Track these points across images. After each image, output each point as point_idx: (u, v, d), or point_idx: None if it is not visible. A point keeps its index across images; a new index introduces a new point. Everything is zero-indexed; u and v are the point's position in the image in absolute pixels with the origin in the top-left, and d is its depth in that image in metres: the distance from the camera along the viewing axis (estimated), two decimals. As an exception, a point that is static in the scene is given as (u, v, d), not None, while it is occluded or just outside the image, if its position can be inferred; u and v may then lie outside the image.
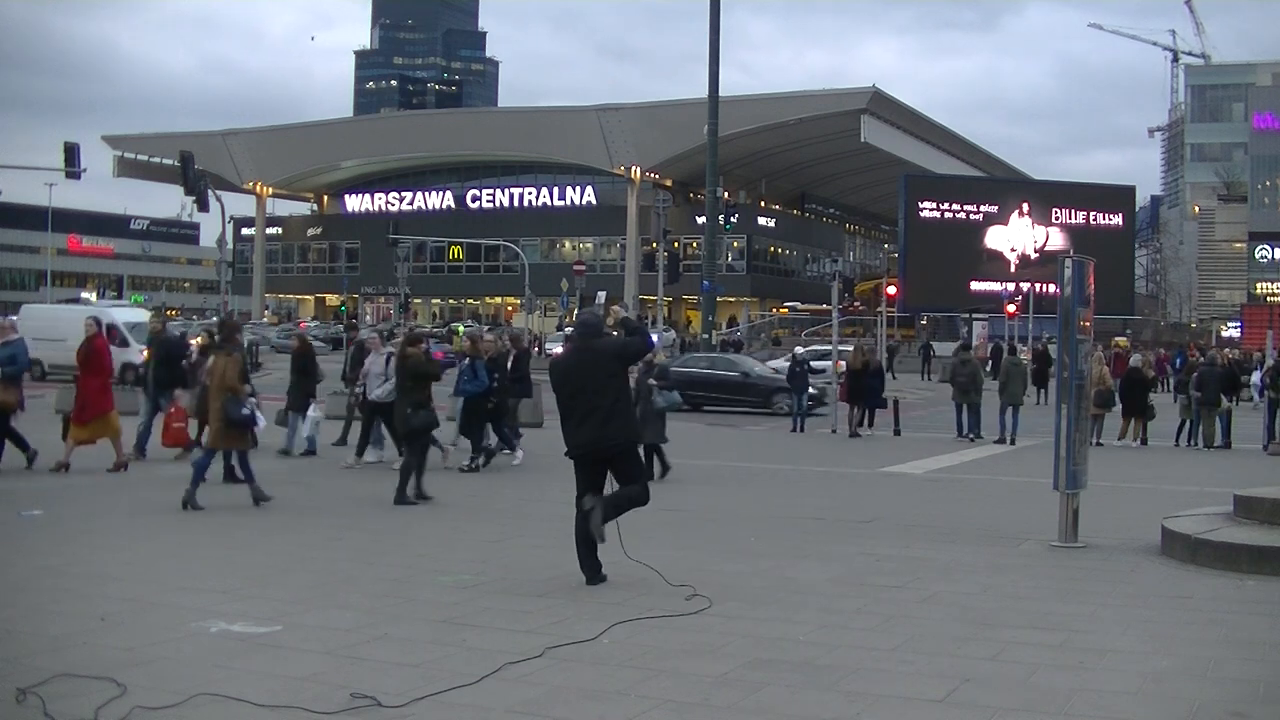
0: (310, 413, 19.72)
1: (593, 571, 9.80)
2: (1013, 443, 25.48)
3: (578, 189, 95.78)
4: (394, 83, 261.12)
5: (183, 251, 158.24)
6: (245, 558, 11.00)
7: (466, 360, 18.48)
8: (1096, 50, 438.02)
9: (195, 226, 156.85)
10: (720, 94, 46.17)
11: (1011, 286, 68.12)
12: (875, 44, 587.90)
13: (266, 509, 14.00)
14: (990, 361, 44.77)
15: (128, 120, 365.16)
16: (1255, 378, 34.86)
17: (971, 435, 26.11)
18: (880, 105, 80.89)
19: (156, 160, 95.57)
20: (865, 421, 27.49)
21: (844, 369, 28.93)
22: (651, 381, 17.14)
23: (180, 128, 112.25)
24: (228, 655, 7.56)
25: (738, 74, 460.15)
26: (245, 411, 14.08)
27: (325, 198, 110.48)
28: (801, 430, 28.26)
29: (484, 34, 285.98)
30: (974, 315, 69.54)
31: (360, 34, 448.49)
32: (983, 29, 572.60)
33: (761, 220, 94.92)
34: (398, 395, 15.38)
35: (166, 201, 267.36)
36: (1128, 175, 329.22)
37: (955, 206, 74.16)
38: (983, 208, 74.55)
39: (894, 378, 50.00)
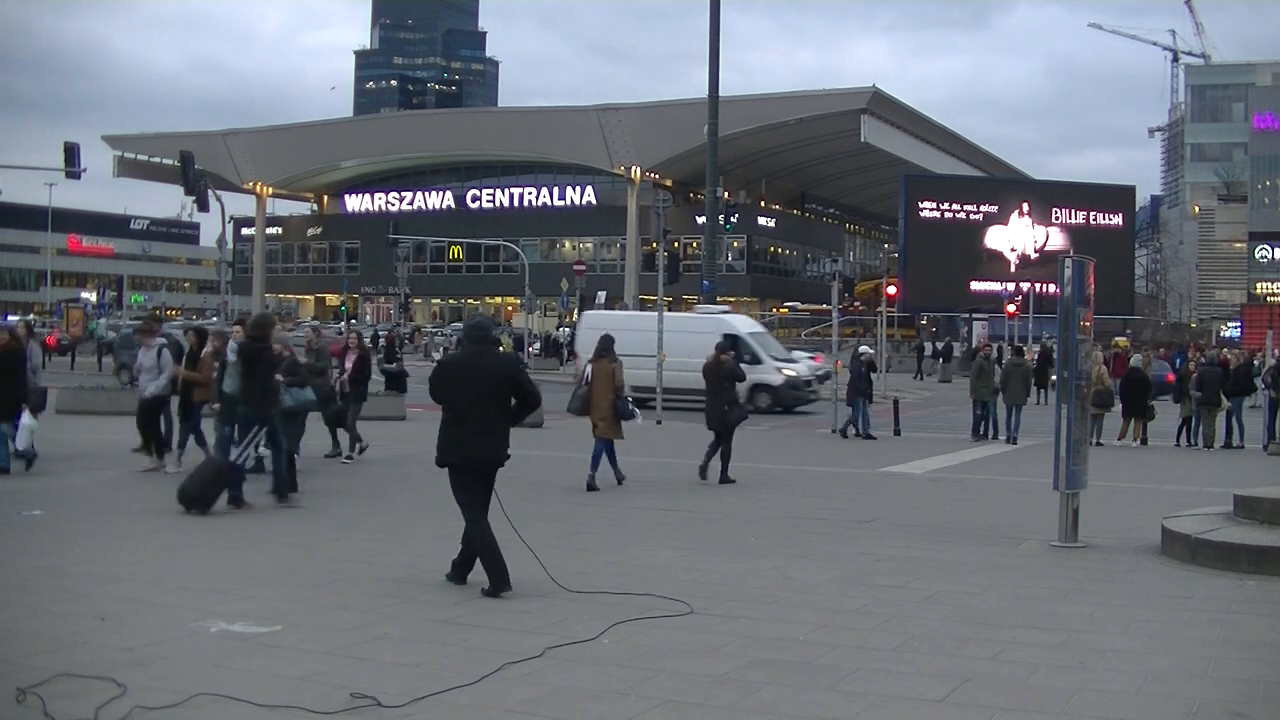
0: (24, 420, 16.63)
1: (505, 581, 9.51)
2: (1015, 442, 25.50)
3: (578, 189, 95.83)
4: (394, 83, 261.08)
5: (183, 251, 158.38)
6: (245, 557, 11.00)
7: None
8: (1088, 49, 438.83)
9: (195, 226, 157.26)
10: (720, 94, 46.19)
11: (1011, 286, 68.10)
12: (864, 43, 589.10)
13: (264, 509, 13.99)
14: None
15: (121, 119, 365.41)
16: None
17: (1013, 437, 25.96)
18: (880, 105, 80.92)
19: (156, 160, 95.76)
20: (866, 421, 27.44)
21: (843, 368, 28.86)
22: (279, 377, 15.12)
23: (173, 127, 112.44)
24: (228, 655, 7.56)
25: (728, 73, 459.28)
26: None
27: (325, 198, 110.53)
28: (868, 437, 26.19)
29: (484, 34, 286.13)
30: (974, 315, 69.51)
31: (352, 34, 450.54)
32: (972, 27, 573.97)
33: (761, 220, 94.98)
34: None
35: (166, 201, 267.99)
36: (1123, 175, 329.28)
37: (955, 206, 74.13)
38: (983, 208, 74.52)
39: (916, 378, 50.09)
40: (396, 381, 27.14)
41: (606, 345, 17.32)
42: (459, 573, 9.78)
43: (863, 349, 28.90)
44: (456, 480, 9.59)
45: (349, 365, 19.73)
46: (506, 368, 9.79)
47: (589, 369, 17.28)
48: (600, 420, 16.63)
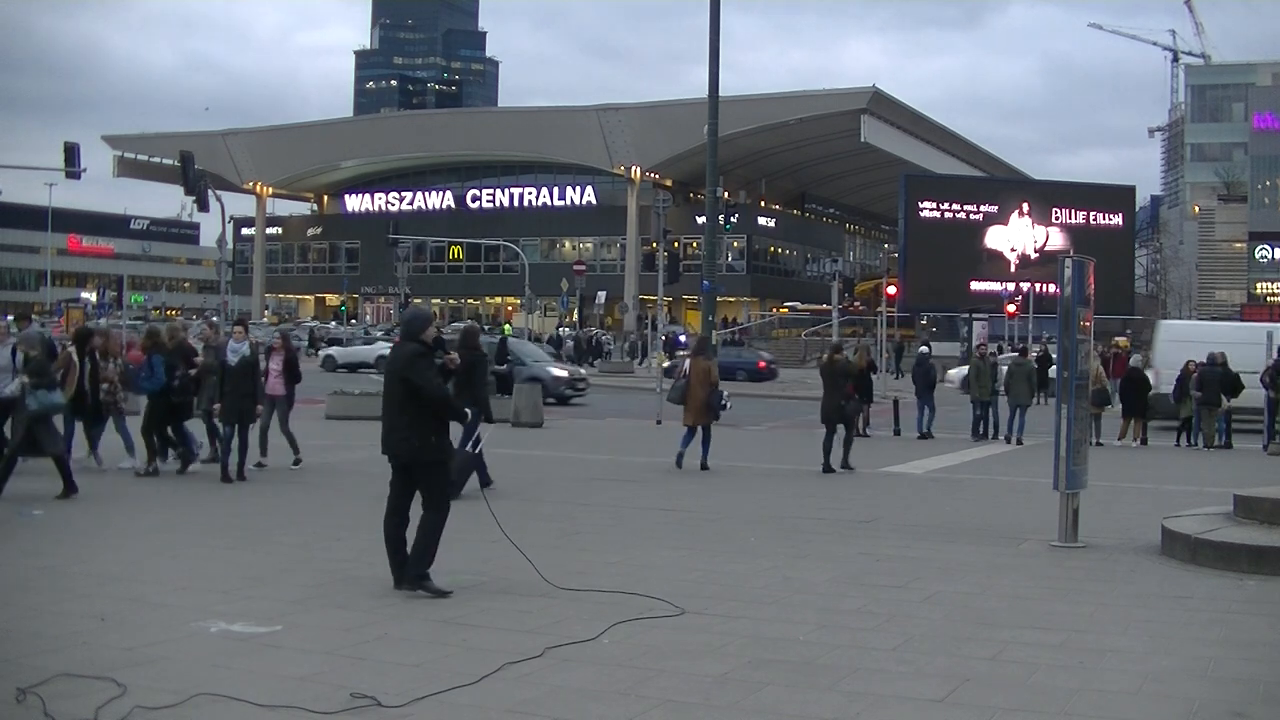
0: None
1: (399, 574, 9.48)
2: (1020, 442, 25.51)
3: (578, 189, 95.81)
4: (394, 83, 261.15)
5: (183, 251, 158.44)
6: (245, 557, 11.00)
7: (147, 357, 17.29)
8: (1084, 49, 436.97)
9: (195, 226, 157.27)
10: (720, 94, 46.18)
11: (1011, 286, 68.15)
12: (858, 42, 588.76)
13: (264, 509, 14.00)
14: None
15: (118, 119, 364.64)
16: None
17: (1017, 438, 26.00)
18: (880, 105, 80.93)
19: (156, 160, 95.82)
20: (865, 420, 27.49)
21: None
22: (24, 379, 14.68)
23: (170, 127, 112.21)
24: (228, 655, 7.56)
25: (723, 72, 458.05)
26: None
27: (325, 198, 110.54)
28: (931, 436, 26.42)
29: (484, 34, 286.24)
30: (974, 315, 69.46)
31: (349, 34, 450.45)
32: (966, 26, 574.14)
33: (761, 220, 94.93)
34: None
35: (166, 201, 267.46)
36: (1120, 175, 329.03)
37: (955, 206, 74.15)
38: (983, 207, 74.55)
39: (898, 377, 50.07)
40: (505, 384, 27.07)
41: (703, 345, 21.07)
42: (396, 569, 9.58)
43: (923, 348, 29.23)
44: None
45: (274, 366, 18.25)
46: (395, 363, 9.59)
47: (687, 365, 19.93)
48: (693, 409, 19.07)
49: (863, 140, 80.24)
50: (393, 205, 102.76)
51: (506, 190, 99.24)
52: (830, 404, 19.54)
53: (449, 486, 9.84)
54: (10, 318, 24.80)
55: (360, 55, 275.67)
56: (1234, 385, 25.76)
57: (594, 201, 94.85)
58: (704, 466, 19.00)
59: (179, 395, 17.20)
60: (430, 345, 9.60)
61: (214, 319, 25.50)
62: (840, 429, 19.67)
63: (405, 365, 9.39)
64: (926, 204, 73.69)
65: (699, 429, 19.22)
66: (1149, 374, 27.71)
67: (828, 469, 19.14)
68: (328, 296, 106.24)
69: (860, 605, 9.40)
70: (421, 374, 9.35)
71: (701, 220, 59.04)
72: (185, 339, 18.96)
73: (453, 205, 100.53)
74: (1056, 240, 73.28)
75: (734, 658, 7.71)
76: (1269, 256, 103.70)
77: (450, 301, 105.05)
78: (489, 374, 16.52)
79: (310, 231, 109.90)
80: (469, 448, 14.88)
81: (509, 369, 30.84)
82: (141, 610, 8.73)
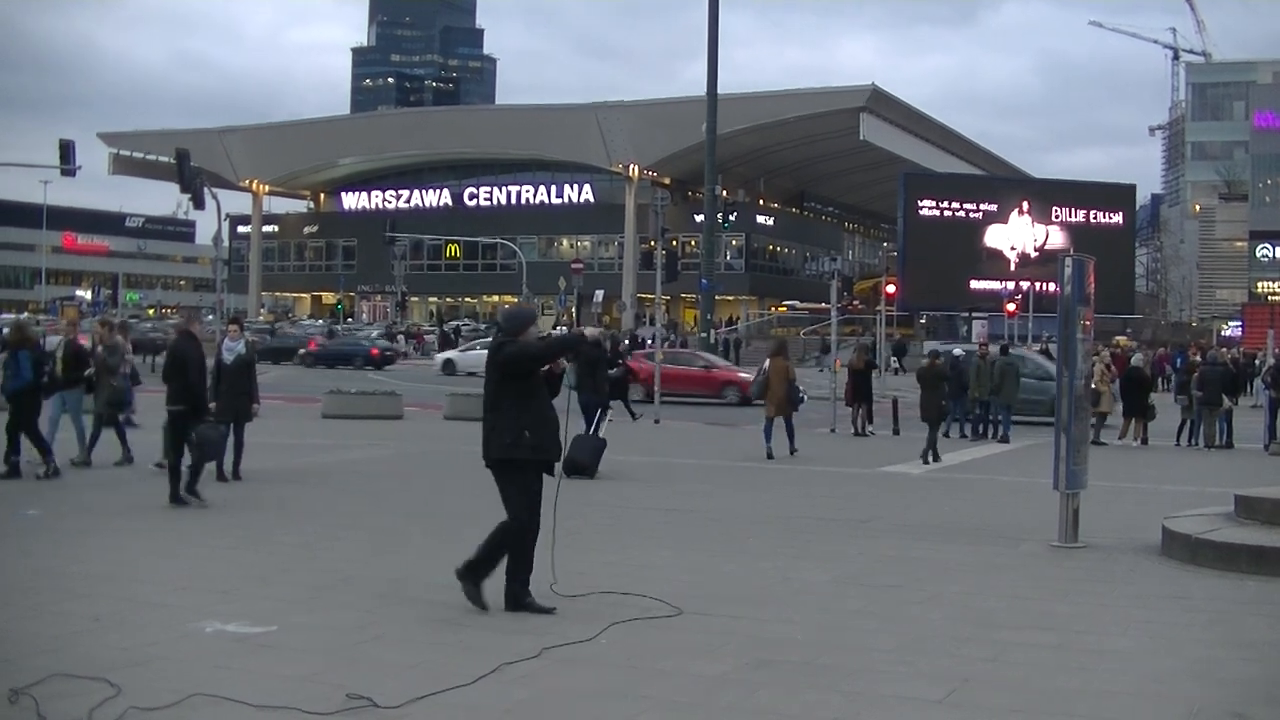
0: None
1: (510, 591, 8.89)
2: (1007, 441, 25.55)
3: (575, 187, 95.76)
4: (391, 80, 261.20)
5: (178, 249, 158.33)
6: (243, 557, 10.99)
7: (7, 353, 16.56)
8: (1079, 46, 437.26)
9: (191, 224, 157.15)
10: (719, 92, 46.23)
11: (1011, 285, 68.11)
12: (852, 40, 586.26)
13: (261, 509, 13.99)
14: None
15: (112, 117, 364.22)
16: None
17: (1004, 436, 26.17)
18: (879, 103, 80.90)
19: (152, 158, 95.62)
20: (867, 418, 27.54)
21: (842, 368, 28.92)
22: None
23: (164, 124, 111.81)
24: (224, 655, 7.56)
25: (719, 71, 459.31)
26: None
27: (322, 195, 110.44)
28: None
29: (481, 31, 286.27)
30: (974, 314, 69.52)
31: (344, 31, 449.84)
32: (960, 23, 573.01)
33: (760, 218, 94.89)
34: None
35: (162, 199, 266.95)
36: (1119, 173, 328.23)
37: (955, 205, 74.09)
38: (982, 206, 74.49)
39: (896, 373, 50.10)
40: (619, 389, 26.63)
41: (780, 347, 24.36)
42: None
43: (957, 351, 29.47)
44: None
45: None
46: (488, 358, 9.04)
47: (768, 363, 22.39)
48: (774, 402, 21.67)
49: (862, 138, 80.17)
50: (390, 203, 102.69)
51: (504, 188, 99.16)
52: (930, 403, 21.84)
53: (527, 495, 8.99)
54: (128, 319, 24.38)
55: (357, 52, 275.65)
56: (1235, 384, 25.78)
57: (592, 200, 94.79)
58: (792, 452, 21.52)
59: (46, 392, 16.67)
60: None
61: (114, 319, 23.91)
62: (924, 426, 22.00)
63: (495, 353, 8.89)
64: (926, 202, 73.65)
65: (781, 421, 21.78)
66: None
67: (926, 460, 21.20)
68: (324, 294, 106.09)
69: (860, 606, 9.40)
70: (514, 352, 8.77)
71: (700, 218, 59.27)
72: (118, 340, 18.58)
73: (450, 203, 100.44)
74: (1057, 239, 73.22)
75: (733, 658, 7.70)
76: (1270, 255, 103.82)
77: (448, 300, 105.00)
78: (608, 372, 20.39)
79: (306, 229, 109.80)
80: (594, 432, 17.54)
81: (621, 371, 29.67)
82: (137, 610, 8.72)
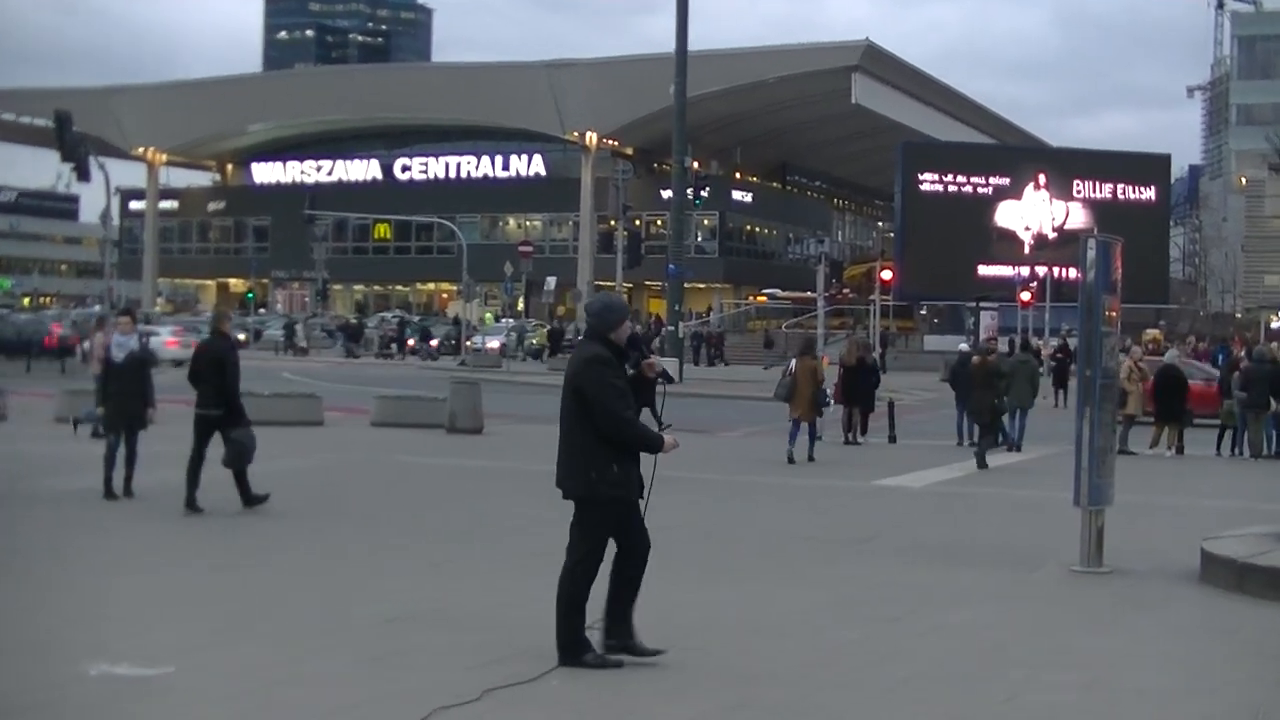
0: None
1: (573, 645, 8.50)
2: (1018, 449, 25.58)
3: (524, 158, 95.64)
4: (310, 33, 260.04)
5: (59, 229, 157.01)
6: (136, 584, 10.85)
7: None
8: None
9: (74, 199, 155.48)
10: (689, 49, 46.20)
11: (1026, 271, 68.44)
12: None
13: (182, 522, 13.88)
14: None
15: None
16: None
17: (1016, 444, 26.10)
18: (874, 61, 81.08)
19: (26, 120, 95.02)
20: (860, 428, 27.31)
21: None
22: None
23: (42, 82, 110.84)
24: (105, 704, 7.44)
25: (692, 24, 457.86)
26: None
27: (229, 167, 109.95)
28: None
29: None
30: (982, 304, 69.74)
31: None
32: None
33: (736, 195, 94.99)
34: None
35: (40, 169, 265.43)
36: (1151, 141, 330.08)
37: (961, 178, 74.39)
38: (992, 180, 74.81)
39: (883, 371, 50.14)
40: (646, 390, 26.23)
41: (809, 346, 25.89)
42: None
43: (963, 347, 29.77)
44: None
45: None
46: (570, 368, 8.67)
47: (794, 364, 23.43)
48: (800, 404, 22.68)
49: (854, 102, 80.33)
50: (309, 176, 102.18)
51: (441, 159, 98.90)
52: (984, 401, 23.51)
53: (602, 529, 8.95)
54: None
55: (271, 1, 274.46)
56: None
57: (543, 173, 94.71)
58: (810, 459, 22.72)
59: None
60: (620, 348, 8.54)
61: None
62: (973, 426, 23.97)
63: (580, 370, 8.43)
64: (927, 176, 73.91)
65: (804, 424, 22.81)
66: None
67: (982, 464, 22.45)
68: (233, 281, 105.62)
69: (854, 637, 9.40)
70: (597, 382, 8.31)
71: (667, 194, 59.16)
72: None
73: (379, 176, 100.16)
74: (1078, 217, 73.61)
75: (708, 699, 7.68)
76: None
77: (376, 288, 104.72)
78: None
79: (212, 206, 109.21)
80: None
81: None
82: (9, 648, 8.59)
